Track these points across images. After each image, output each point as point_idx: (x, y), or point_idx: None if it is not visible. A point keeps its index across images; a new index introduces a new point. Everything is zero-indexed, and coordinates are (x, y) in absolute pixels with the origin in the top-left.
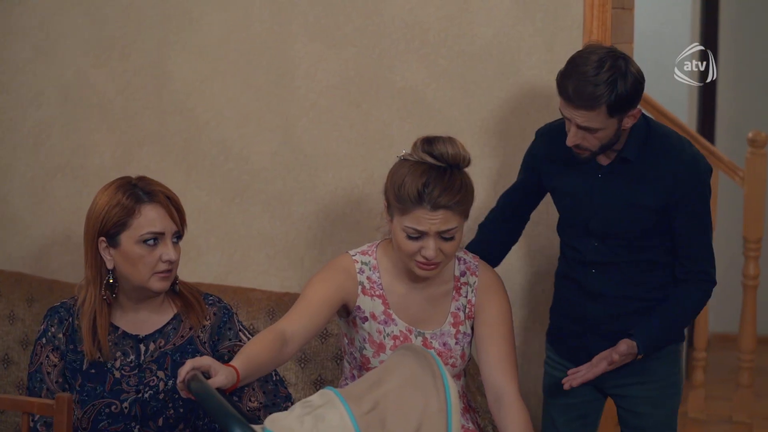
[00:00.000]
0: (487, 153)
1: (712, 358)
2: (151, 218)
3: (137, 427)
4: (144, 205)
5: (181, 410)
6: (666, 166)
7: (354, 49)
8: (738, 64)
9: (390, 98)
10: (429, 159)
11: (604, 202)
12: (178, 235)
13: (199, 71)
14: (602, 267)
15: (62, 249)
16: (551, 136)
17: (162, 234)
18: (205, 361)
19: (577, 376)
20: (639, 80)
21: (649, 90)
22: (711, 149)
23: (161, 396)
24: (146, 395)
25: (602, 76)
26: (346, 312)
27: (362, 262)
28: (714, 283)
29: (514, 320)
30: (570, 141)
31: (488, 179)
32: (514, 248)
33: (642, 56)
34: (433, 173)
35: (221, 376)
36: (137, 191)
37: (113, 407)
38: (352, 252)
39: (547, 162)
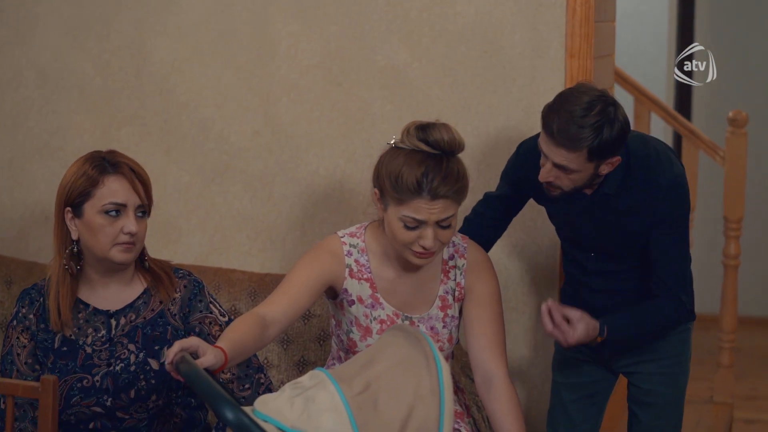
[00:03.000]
0: (470, 132)
1: (692, 338)
2: (113, 189)
3: (109, 399)
4: (108, 176)
5: (153, 381)
6: (646, 194)
7: (335, 28)
8: (715, 42)
9: (371, 78)
10: (424, 147)
11: (592, 226)
12: (143, 210)
13: (179, 51)
14: (603, 273)
15: (41, 231)
16: (532, 157)
17: (124, 206)
18: (193, 341)
19: (555, 330)
20: (624, 129)
21: (628, 69)
22: (691, 128)
23: (132, 368)
24: (117, 368)
25: (589, 119)
26: (334, 294)
27: (350, 245)
28: (688, 312)
29: (521, 306)
30: (543, 177)
31: (471, 159)
32: (515, 235)
33: (621, 36)
34: (431, 162)
35: (210, 355)
36: (104, 163)
37: (85, 381)
38: (340, 233)
39: (529, 183)
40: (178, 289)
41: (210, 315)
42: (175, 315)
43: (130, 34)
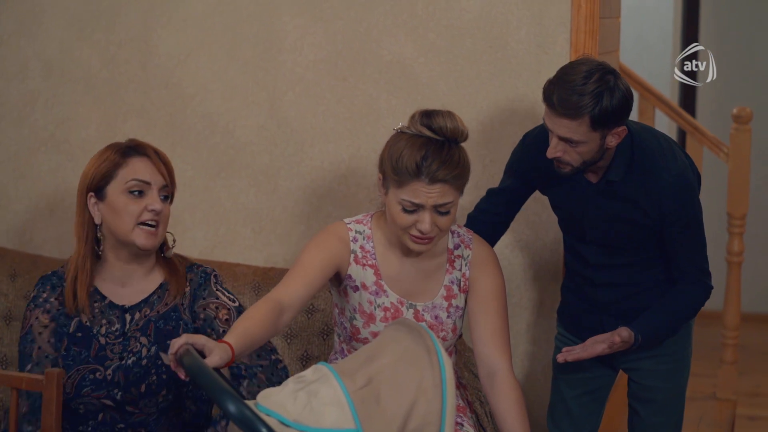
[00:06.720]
0: (475, 127)
1: (696, 335)
2: (138, 168)
3: (120, 393)
4: (132, 157)
5: (164, 377)
6: (653, 187)
7: (341, 23)
8: (720, 38)
9: (377, 72)
10: (427, 132)
11: (597, 217)
12: (167, 193)
13: (185, 44)
14: (606, 267)
15: (46, 224)
16: (538, 144)
17: (148, 184)
18: (200, 339)
19: (571, 354)
20: (626, 97)
21: (633, 65)
22: (695, 124)
23: (144, 362)
24: (129, 362)
25: (589, 87)
26: (338, 281)
27: (356, 231)
28: (711, 287)
29: (524, 301)
30: (550, 153)
31: (475, 153)
32: (519, 230)
33: (626, 32)
34: (432, 147)
35: (215, 356)
36: (126, 148)
37: (97, 374)
38: (347, 220)
39: (535, 171)
40: (189, 282)
41: (215, 300)
42: (185, 309)
43: (136, 27)
